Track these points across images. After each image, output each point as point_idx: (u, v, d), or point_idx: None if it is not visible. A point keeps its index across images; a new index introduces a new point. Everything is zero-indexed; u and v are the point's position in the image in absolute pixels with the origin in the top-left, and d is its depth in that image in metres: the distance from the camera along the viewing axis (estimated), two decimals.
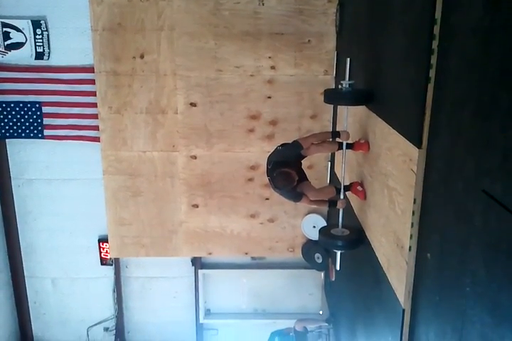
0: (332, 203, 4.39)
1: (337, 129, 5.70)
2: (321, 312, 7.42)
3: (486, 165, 1.99)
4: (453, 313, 2.29)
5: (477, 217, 2.03)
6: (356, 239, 4.24)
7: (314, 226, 6.69)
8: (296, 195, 4.25)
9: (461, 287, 2.16)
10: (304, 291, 7.49)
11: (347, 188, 4.41)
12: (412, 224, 2.86)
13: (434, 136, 2.61)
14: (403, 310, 3.01)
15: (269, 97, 6.33)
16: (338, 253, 4.49)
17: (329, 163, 6.39)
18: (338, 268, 4.64)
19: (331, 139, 4.44)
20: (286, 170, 4.03)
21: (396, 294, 3.14)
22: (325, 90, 4.40)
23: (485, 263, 1.95)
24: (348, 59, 4.24)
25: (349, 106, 4.27)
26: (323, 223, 6.68)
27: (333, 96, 4.33)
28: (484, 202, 1.95)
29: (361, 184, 4.25)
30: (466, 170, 2.18)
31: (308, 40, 6.12)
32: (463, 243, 2.20)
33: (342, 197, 4.31)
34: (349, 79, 4.10)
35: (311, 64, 6.19)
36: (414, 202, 2.82)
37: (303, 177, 4.30)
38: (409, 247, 2.89)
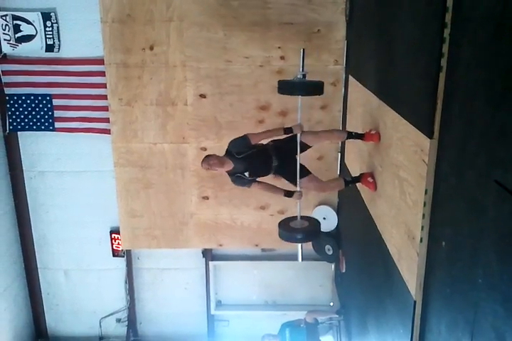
0: (288, 194, 4.26)
1: (347, 119, 5.66)
2: (331, 304, 7.42)
3: (498, 155, 1.95)
4: (465, 305, 2.27)
5: (489, 208, 2.01)
6: (315, 230, 4.25)
7: (324, 218, 6.67)
8: (242, 182, 4.21)
9: (473, 278, 2.14)
10: (314, 283, 7.49)
11: (357, 179, 4.38)
12: (424, 215, 2.83)
13: (446, 126, 2.57)
14: (414, 302, 2.99)
15: None
16: (299, 245, 4.45)
17: (339, 154, 6.35)
18: (300, 260, 4.55)
19: (340, 129, 4.42)
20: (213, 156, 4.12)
21: (407, 286, 3.12)
22: (278, 81, 4.34)
23: (497, 254, 1.93)
24: (302, 49, 4.22)
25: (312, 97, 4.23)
26: (333, 215, 6.68)
27: (287, 87, 4.28)
28: (497, 193, 1.92)
29: (372, 175, 4.21)
30: (479, 160, 2.14)
31: (318, 30, 6.07)
32: (475, 234, 2.17)
33: (299, 189, 4.22)
34: (302, 70, 4.14)
35: (320, 54, 6.14)
36: (426, 193, 2.79)
37: (291, 171, 4.18)
38: (421, 238, 2.87)
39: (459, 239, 2.39)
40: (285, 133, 4.16)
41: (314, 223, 4.30)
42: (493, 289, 1.95)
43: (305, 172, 4.27)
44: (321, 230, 6.57)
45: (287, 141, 4.25)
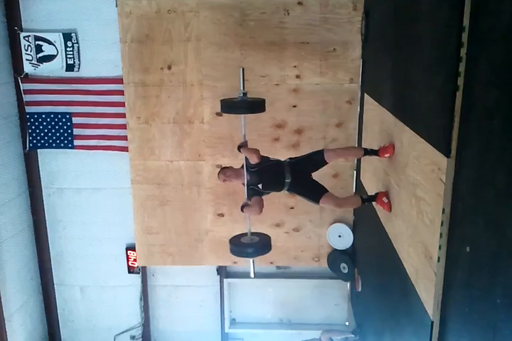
0: (241, 207, 4.36)
1: (363, 137, 5.67)
2: (347, 323, 7.32)
3: None
4: (483, 326, 2.23)
5: (508, 228, 1.99)
6: (265, 244, 4.31)
7: (340, 236, 6.64)
8: (252, 194, 4.33)
9: (491, 299, 2.11)
10: (329, 301, 7.41)
11: (373, 198, 4.37)
12: (441, 234, 2.81)
13: (464, 145, 2.57)
14: (432, 322, 2.94)
15: (295, 106, 6.34)
16: (251, 260, 4.47)
17: (355, 171, 6.34)
18: (252, 275, 4.55)
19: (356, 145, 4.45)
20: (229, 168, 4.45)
21: (425, 306, 3.08)
22: (221, 100, 4.41)
23: None
24: (242, 69, 4.33)
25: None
26: (348, 232, 6.63)
27: (229, 106, 4.38)
28: None
29: (387, 195, 4.19)
30: (497, 179, 2.13)
31: (334, 49, 6.13)
32: (493, 254, 2.15)
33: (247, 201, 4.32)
34: (243, 89, 4.27)
35: (336, 72, 6.19)
36: (443, 212, 2.77)
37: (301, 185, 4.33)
38: (438, 258, 2.84)
39: (477, 259, 2.37)
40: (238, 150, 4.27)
41: (264, 238, 4.39)
42: None
43: (322, 190, 4.32)
44: (336, 248, 6.66)
45: (304, 159, 4.32)
